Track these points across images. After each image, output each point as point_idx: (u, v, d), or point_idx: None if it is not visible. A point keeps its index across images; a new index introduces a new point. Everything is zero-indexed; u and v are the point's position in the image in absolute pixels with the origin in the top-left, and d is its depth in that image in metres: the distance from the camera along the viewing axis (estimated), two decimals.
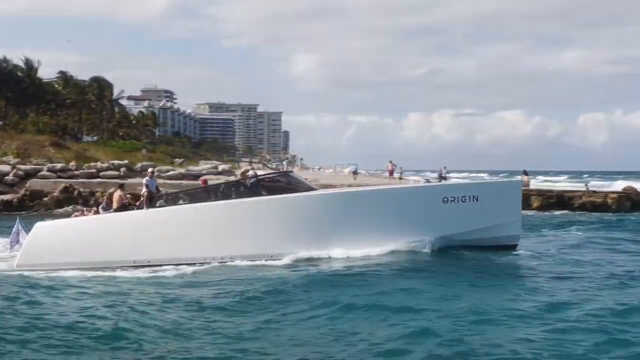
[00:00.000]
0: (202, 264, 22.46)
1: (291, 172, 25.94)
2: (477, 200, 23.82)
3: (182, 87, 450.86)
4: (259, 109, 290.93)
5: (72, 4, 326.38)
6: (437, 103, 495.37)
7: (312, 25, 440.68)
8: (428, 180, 56.41)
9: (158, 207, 23.74)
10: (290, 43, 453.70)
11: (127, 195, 25.32)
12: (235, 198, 23.66)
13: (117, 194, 24.28)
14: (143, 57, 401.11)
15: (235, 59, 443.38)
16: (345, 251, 22.57)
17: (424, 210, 23.59)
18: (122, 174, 56.92)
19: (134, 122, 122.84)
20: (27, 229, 24.10)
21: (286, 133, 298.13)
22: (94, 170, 57.67)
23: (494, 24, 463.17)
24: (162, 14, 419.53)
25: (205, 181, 28.19)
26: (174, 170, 60.01)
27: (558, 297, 16.73)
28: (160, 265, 22.36)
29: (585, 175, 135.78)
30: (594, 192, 56.61)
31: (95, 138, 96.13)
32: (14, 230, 24.38)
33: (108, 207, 24.49)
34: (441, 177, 58.11)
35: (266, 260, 22.45)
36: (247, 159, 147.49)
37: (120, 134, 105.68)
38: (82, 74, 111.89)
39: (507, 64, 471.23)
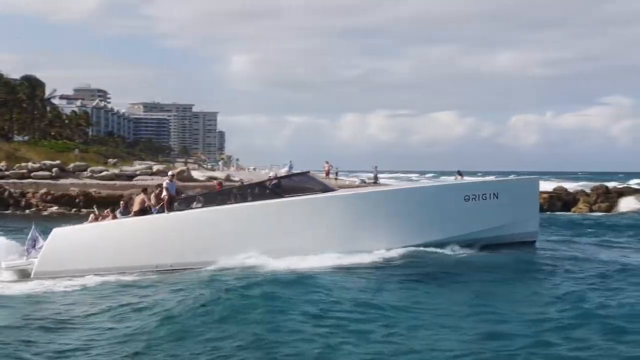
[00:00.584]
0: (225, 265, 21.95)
1: (309, 172, 25.71)
2: (497, 197, 23.66)
3: (116, 87, 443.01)
4: (195, 109, 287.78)
5: (3, 1, 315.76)
6: (372, 104, 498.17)
7: (248, 25, 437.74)
8: (363, 181, 55.04)
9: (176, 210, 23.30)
10: (225, 43, 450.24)
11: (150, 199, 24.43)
12: (257, 200, 23.33)
13: (140, 197, 23.95)
14: (76, 55, 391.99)
15: (170, 59, 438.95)
16: (370, 250, 22.36)
17: (447, 208, 23.33)
18: (54, 174, 56.60)
19: (66, 121, 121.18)
20: (43, 235, 23.63)
21: (222, 133, 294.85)
22: (25, 171, 57.12)
23: (429, 26, 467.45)
24: (96, 13, 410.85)
25: (220, 184, 27.70)
26: (107, 170, 59.40)
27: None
28: (184, 269, 22.09)
29: (513, 176, 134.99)
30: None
31: (26, 138, 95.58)
32: (29, 236, 23.72)
33: (125, 212, 24.18)
34: (375, 178, 57.97)
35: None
36: (182, 160, 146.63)
37: (53, 133, 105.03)
38: (13, 73, 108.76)
39: (441, 65, 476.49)
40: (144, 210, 23.61)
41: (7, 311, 17.28)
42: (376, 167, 60.95)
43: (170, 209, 23.22)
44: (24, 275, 22.99)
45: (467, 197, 23.34)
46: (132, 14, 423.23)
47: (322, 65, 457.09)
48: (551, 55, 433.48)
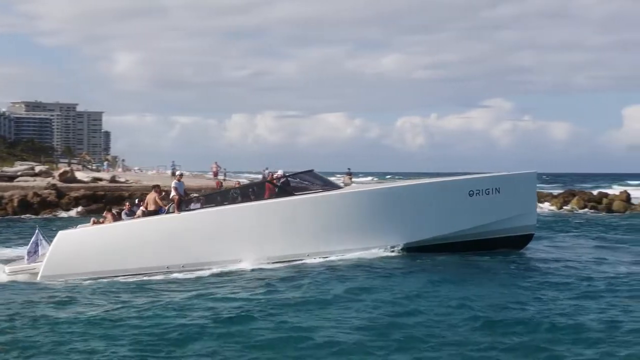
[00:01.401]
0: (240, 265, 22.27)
1: (312, 170, 25.30)
2: (499, 192, 24.35)
3: None
4: (79, 109, 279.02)
5: None
6: (260, 104, 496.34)
7: (134, 23, 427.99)
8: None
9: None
10: (110, 41, 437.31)
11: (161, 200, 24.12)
12: (268, 199, 23.39)
13: (152, 196, 23.51)
14: None
15: (53, 57, 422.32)
16: (382, 245, 23.04)
17: (453, 203, 23.98)
18: None
19: None
20: (47, 238, 23.24)
21: (107, 133, 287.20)
22: None
23: (317, 27, 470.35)
24: None
25: (219, 183, 27.61)
26: None
27: None
28: (196, 270, 22.01)
29: (398, 177, 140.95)
30: None
31: None
32: (32, 239, 23.15)
33: (131, 213, 23.78)
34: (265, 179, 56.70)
35: (302, 260, 22.49)
36: (66, 160, 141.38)
37: None
38: None
39: (329, 67, 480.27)
40: (156, 211, 23.38)
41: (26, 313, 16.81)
42: (266, 168, 61.02)
43: (180, 209, 23.06)
44: (28, 279, 22.36)
45: (471, 192, 24.04)
46: (11, 11, 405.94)
47: (209, 66, 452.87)
48: (435, 58, 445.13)
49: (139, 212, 23.71)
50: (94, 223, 23.93)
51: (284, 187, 23.85)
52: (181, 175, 24.14)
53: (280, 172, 25.19)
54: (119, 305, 17.18)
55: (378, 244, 23.13)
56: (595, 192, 61.06)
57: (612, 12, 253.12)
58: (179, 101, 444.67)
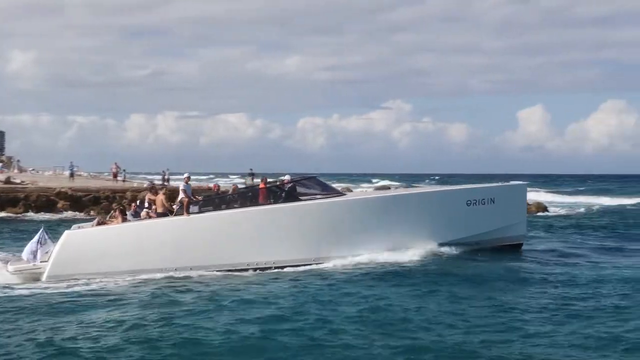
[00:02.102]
0: (246, 269, 22.81)
1: (315, 175, 26.01)
2: (493, 202, 25.53)
3: None
4: None
5: None
6: (160, 104, 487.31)
7: (29, 21, 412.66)
8: (152, 182, 55.16)
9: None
10: (5, 40, 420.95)
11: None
12: (273, 203, 23.79)
13: (160, 198, 23.65)
14: None
15: None
16: (383, 252, 23.72)
17: (451, 212, 24.99)
18: None
19: None
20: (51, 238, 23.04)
21: (2, 133, 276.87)
22: None
23: (219, 27, 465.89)
24: None
25: (217, 186, 27.33)
26: None
27: None
28: (205, 272, 22.44)
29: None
30: None
31: None
32: (35, 239, 22.77)
33: (137, 214, 23.65)
34: (164, 180, 57.53)
35: (310, 264, 23.12)
36: None
37: None
38: None
39: (231, 67, 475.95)
40: (164, 212, 23.50)
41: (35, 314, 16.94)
42: (167, 169, 60.88)
43: (188, 211, 23.16)
44: (32, 279, 22.08)
45: (469, 202, 25.09)
46: None
47: (107, 65, 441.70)
48: (336, 60, 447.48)
49: (143, 213, 23.71)
50: (99, 223, 23.76)
51: (291, 191, 24.26)
52: (189, 177, 24.20)
53: (287, 177, 25.49)
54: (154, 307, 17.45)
55: (385, 247, 23.87)
56: None
57: (507, 16, 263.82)
58: (76, 101, 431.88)
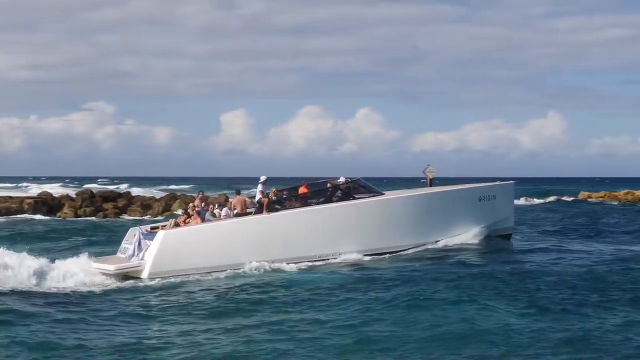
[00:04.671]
0: (319, 260, 25.77)
1: (360, 178, 29.17)
2: (495, 198, 30.31)
3: None
4: None
5: None
6: None
7: None
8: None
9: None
10: None
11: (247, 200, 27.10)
12: (336, 201, 27.03)
13: (242, 198, 26.34)
14: None
15: None
16: (434, 241, 28.21)
17: (470, 207, 29.56)
18: None
19: None
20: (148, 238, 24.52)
21: None
22: None
23: None
24: None
25: (307, 184, 28.88)
26: None
27: None
28: (284, 264, 24.97)
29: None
30: (10, 197, 59.96)
31: None
32: (135, 239, 24.37)
33: (212, 215, 25.79)
34: None
35: (372, 254, 26.52)
36: None
37: None
38: None
39: None
40: (244, 212, 26.02)
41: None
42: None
43: (268, 210, 25.76)
44: (131, 278, 23.72)
45: (480, 198, 29.68)
46: None
47: None
48: (35, 58, 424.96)
49: (225, 212, 26.02)
50: (175, 224, 25.42)
51: (348, 191, 27.58)
52: (266, 180, 26.57)
53: (342, 179, 28.48)
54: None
55: (427, 240, 28.08)
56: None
57: (210, 22, 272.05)
58: None
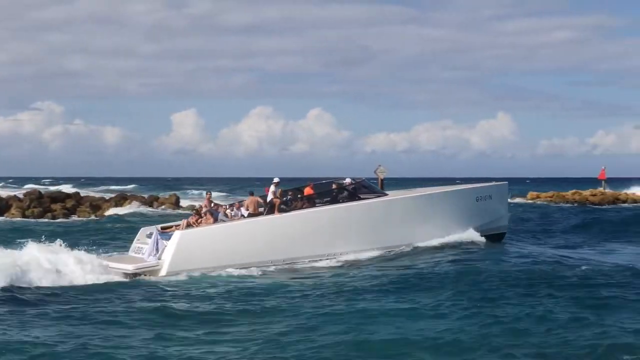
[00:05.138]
0: (328, 258, 26.15)
1: (364, 179, 29.57)
2: (491, 198, 30.98)
3: None
4: None
5: None
6: None
7: None
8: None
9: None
10: None
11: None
12: (342, 202, 27.30)
13: (255, 199, 26.37)
14: None
15: None
16: (432, 239, 28.48)
17: (469, 206, 30.14)
18: None
19: None
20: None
21: None
22: None
23: None
24: None
25: (312, 185, 28.92)
26: None
27: None
28: (294, 263, 25.53)
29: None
30: None
31: None
32: (152, 239, 24.51)
33: (223, 215, 25.75)
34: None
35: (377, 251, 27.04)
36: None
37: None
38: None
39: None
40: (257, 212, 26.14)
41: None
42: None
43: (279, 210, 26.06)
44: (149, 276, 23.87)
45: (477, 198, 30.30)
46: None
47: None
48: None
49: (242, 212, 26.21)
50: (187, 225, 25.58)
51: (355, 192, 27.91)
52: (279, 182, 26.91)
53: (348, 180, 28.61)
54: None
55: (428, 238, 28.39)
56: (146, 196, 64.13)
57: (159, 21, 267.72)
58: None
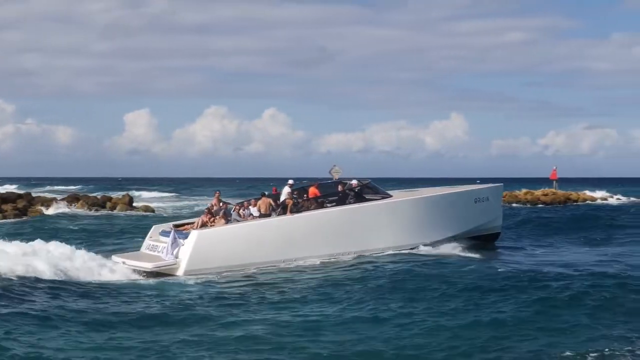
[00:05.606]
0: (338, 257, 26.37)
1: (370, 181, 29.45)
2: (488, 200, 31.62)
3: None
4: None
5: None
6: None
7: None
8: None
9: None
10: None
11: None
12: (350, 203, 27.51)
13: (267, 201, 26.37)
14: None
15: None
16: (432, 240, 28.79)
17: (468, 208, 30.69)
18: None
19: None
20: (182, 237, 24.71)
21: None
22: None
23: None
24: None
25: (317, 185, 28.89)
26: None
27: None
28: (305, 262, 25.68)
29: None
30: None
31: None
32: (170, 239, 24.39)
33: (237, 215, 25.91)
34: None
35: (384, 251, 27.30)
36: None
37: None
38: None
39: None
40: (269, 213, 26.27)
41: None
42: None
43: (292, 211, 26.28)
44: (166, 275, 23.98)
45: (476, 200, 30.78)
46: None
47: None
48: None
49: (251, 212, 26.22)
50: (202, 224, 25.68)
51: (361, 193, 28.07)
52: (293, 183, 27.18)
53: (354, 182, 28.64)
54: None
55: (429, 240, 28.73)
56: (99, 196, 64.82)
57: (115, 19, 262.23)
58: None
